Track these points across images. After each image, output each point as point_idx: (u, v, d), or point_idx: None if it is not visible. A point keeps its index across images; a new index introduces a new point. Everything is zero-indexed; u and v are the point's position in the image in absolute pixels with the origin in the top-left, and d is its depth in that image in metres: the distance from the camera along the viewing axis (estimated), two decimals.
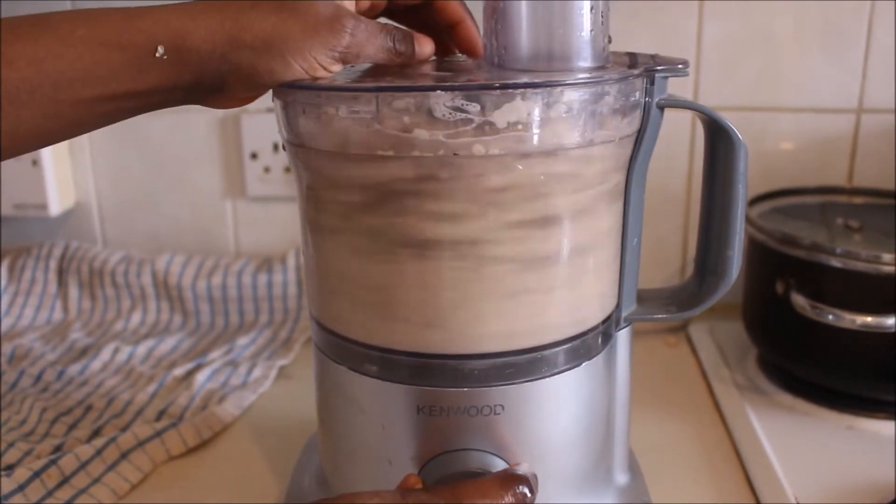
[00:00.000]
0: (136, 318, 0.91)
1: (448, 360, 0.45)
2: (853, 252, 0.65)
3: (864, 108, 0.85)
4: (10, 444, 0.65)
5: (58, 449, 0.65)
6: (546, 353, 0.46)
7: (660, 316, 0.54)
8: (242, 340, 0.85)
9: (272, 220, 0.96)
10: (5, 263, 0.95)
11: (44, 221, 0.99)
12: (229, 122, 0.93)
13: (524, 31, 0.44)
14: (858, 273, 0.65)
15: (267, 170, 0.94)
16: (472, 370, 0.45)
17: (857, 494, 0.58)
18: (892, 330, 0.64)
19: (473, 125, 0.40)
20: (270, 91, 0.45)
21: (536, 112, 0.41)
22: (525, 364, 0.46)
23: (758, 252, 0.73)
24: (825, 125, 0.86)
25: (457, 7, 0.49)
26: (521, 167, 0.42)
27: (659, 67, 0.46)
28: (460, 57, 0.50)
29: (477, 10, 0.47)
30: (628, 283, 0.52)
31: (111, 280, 0.92)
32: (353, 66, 0.48)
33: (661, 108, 0.47)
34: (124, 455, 0.63)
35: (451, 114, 0.40)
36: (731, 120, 0.48)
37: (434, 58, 0.49)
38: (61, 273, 0.95)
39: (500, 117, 0.40)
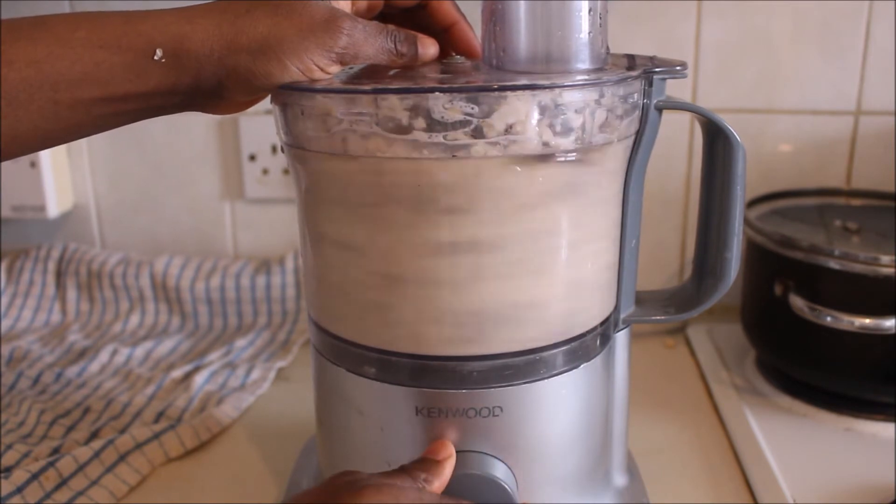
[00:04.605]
0: (134, 319, 0.91)
1: (447, 362, 0.45)
2: (851, 254, 0.65)
3: (862, 110, 0.85)
4: (9, 446, 0.65)
5: (56, 451, 0.64)
6: (545, 354, 0.46)
7: (658, 318, 0.54)
8: (241, 342, 0.85)
9: (270, 222, 0.96)
10: (4, 265, 0.95)
11: (42, 223, 0.99)
12: (228, 124, 0.93)
13: (522, 33, 0.44)
14: (857, 275, 0.65)
15: (265, 172, 0.94)
16: (470, 372, 0.45)
17: (856, 496, 0.58)
18: (891, 332, 0.64)
19: (472, 127, 0.40)
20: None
21: (535, 114, 0.41)
22: (524, 365, 0.46)
23: (756, 254, 0.73)
24: (823, 127, 0.86)
25: (451, 9, 0.49)
26: (519, 168, 0.42)
27: (657, 69, 0.46)
28: (458, 59, 0.50)
29: (476, 12, 0.47)
30: (627, 285, 0.52)
31: (109, 282, 0.92)
32: (352, 68, 0.48)
33: (660, 109, 0.48)
34: (122, 457, 0.63)
35: (449, 115, 0.40)
36: (729, 122, 0.48)
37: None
38: (60, 275, 0.95)
39: (499, 119, 0.40)
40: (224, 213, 0.97)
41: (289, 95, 0.44)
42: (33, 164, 0.93)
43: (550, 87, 0.41)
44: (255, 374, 0.78)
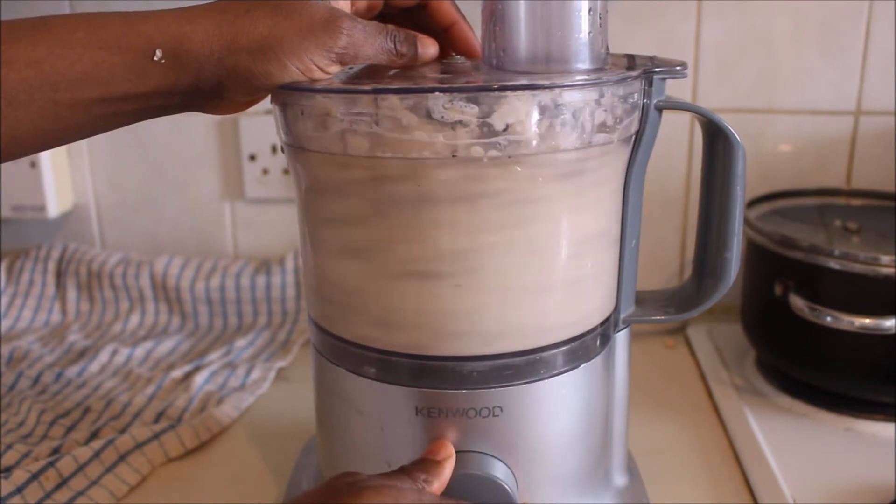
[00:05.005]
0: (134, 319, 0.91)
1: (447, 362, 0.45)
2: (851, 254, 0.65)
3: (862, 110, 0.85)
4: (9, 446, 0.65)
5: (56, 451, 0.64)
6: (545, 354, 0.46)
7: (658, 318, 0.54)
8: (241, 342, 0.85)
9: (270, 222, 0.96)
10: (4, 265, 0.95)
11: (42, 223, 0.99)
12: (228, 124, 0.93)
13: (522, 33, 0.44)
14: (857, 275, 0.65)
15: (265, 172, 0.94)
16: (470, 372, 0.45)
17: (856, 496, 0.58)
18: (891, 331, 0.64)
19: (472, 126, 0.40)
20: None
21: (534, 114, 0.41)
22: (524, 366, 0.46)
23: (756, 254, 0.73)
24: (823, 127, 0.86)
25: (450, 9, 0.49)
26: (519, 168, 0.42)
27: (657, 69, 0.46)
28: (458, 59, 0.50)
29: (476, 12, 0.47)
30: (627, 285, 0.52)
31: (109, 282, 0.92)
32: (352, 68, 0.48)
33: (660, 109, 0.48)
34: (122, 457, 0.63)
35: (449, 115, 0.40)
36: (729, 122, 0.48)
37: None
38: (60, 275, 0.95)
39: (499, 119, 0.40)
40: (224, 213, 0.97)
41: (289, 95, 0.44)
42: (33, 164, 0.93)
43: (550, 87, 0.41)
44: (255, 374, 0.78)
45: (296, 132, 0.45)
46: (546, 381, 0.46)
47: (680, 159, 0.88)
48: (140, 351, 0.84)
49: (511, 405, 0.46)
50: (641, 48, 0.84)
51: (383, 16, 0.50)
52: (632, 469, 0.58)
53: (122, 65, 0.41)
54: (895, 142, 0.85)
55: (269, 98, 0.46)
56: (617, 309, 0.51)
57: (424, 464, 0.44)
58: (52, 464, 0.61)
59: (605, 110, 0.43)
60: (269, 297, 0.91)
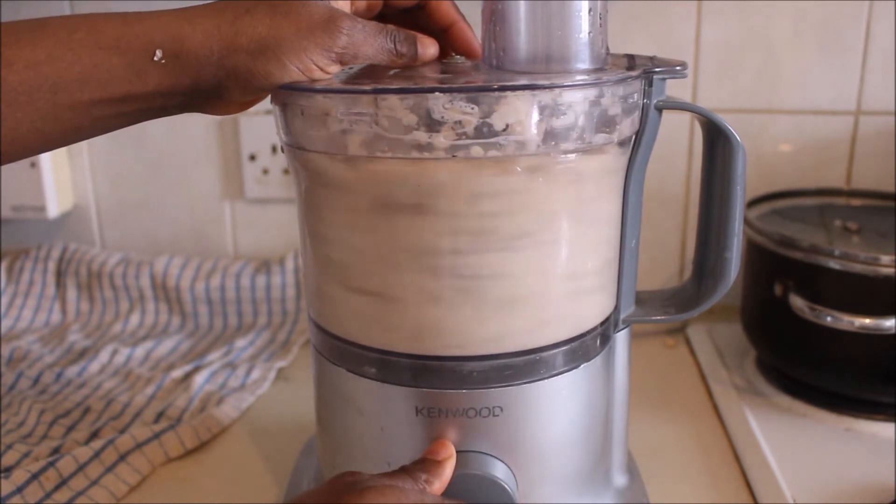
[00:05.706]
0: (134, 319, 0.91)
1: (447, 362, 0.45)
2: (851, 254, 0.65)
3: (862, 110, 0.85)
4: (9, 446, 0.65)
5: (56, 451, 0.64)
6: (545, 354, 0.46)
7: (658, 318, 0.54)
8: (241, 342, 0.85)
9: (270, 222, 0.96)
10: (4, 265, 0.95)
11: (42, 223, 0.99)
12: (228, 124, 0.93)
13: (522, 33, 0.44)
14: (857, 275, 0.65)
15: (265, 171, 0.94)
16: (470, 372, 0.45)
17: (856, 496, 0.58)
18: (891, 331, 0.64)
19: (472, 127, 0.40)
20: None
21: (534, 114, 0.41)
22: (524, 366, 0.46)
23: (756, 254, 0.73)
24: (823, 127, 0.86)
25: (449, 9, 0.49)
26: (519, 169, 0.42)
27: (657, 69, 0.46)
28: (458, 59, 0.50)
29: (476, 12, 0.47)
30: (627, 285, 0.52)
31: (109, 282, 0.92)
32: (352, 68, 0.48)
33: (660, 109, 0.48)
34: (122, 457, 0.63)
35: (449, 115, 0.40)
36: (729, 122, 0.48)
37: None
38: (60, 275, 0.95)
39: (499, 119, 0.40)
40: (224, 213, 0.97)
41: (289, 95, 0.44)
42: (33, 165, 0.93)
43: (550, 87, 0.41)
44: (255, 374, 0.78)
45: (296, 132, 0.45)
46: (546, 381, 0.46)
47: (680, 159, 0.88)
48: (140, 351, 0.84)
49: (511, 405, 0.46)
50: (641, 48, 0.84)
51: (383, 16, 0.50)
52: (632, 469, 0.58)
53: (121, 65, 0.41)
54: (895, 142, 0.85)
55: (269, 98, 0.46)
56: (617, 309, 0.51)
57: (425, 464, 0.44)
58: (52, 464, 0.61)
59: (605, 110, 0.43)
60: (269, 297, 0.91)
